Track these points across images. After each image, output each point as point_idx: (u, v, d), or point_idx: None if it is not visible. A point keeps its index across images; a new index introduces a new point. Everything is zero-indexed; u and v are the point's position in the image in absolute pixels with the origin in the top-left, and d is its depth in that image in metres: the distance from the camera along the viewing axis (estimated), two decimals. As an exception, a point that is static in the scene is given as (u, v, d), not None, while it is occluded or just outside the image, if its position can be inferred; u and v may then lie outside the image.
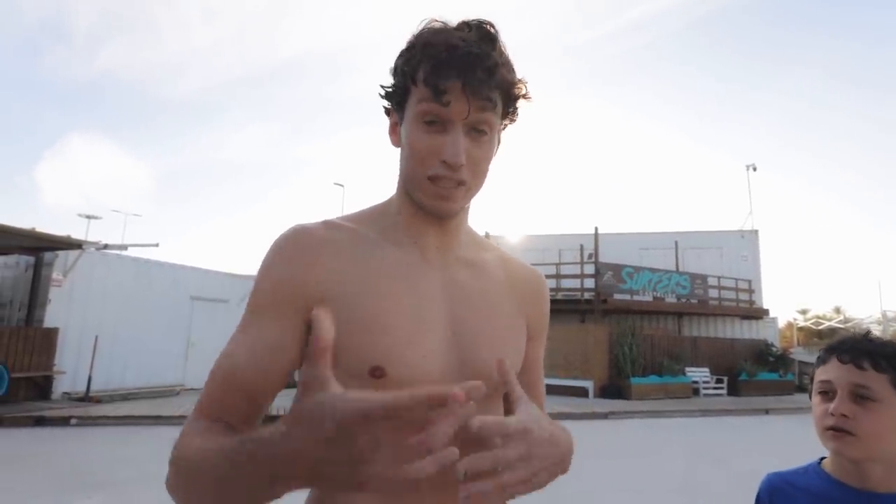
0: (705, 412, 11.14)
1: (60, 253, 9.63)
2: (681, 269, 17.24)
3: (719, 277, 16.78)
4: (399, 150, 0.74)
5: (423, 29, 0.69)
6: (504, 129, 0.74)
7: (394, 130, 0.75)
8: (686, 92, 62.42)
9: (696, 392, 13.78)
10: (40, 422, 7.68)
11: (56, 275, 9.65)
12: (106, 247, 10.29)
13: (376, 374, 0.65)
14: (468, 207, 0.78)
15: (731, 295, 16.93)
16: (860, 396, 0.86)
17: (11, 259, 10.36)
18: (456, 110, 0.65)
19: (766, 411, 11.30)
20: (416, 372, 0.67)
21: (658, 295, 15.59)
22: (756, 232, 18.52)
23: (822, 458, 0.97)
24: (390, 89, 0.72)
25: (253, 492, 0.52)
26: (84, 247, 9.49)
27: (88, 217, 12.74)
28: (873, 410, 0.85)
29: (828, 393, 0.90)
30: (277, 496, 0.52)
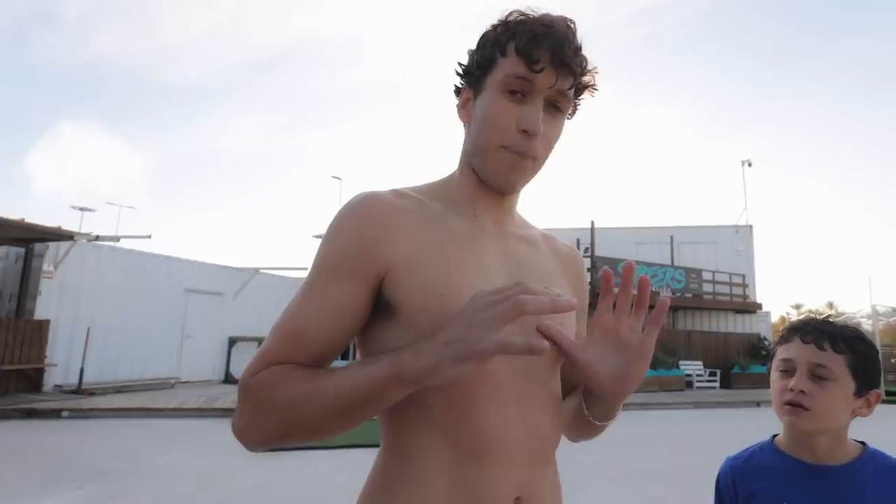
0: (698, 404, 11.35)
1: (51, 245, 9.52)
2: (676, 263, 17.28)
3: (714, 272, 16.82)
4: (466, 125, 0.77)
5: (512, 13, 0.72)
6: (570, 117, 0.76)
7: (465, 106, 0.77)
8: (683, 86, 62.45)
9: (689, 385, 13.90)
10: (31, 414, 7.64)
11: (47, 266, 9.55)
12: (98, 238, 10.16)
13: None
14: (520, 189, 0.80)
15: (726, 289, 16.98)
16: (817, 375, 0.93)
17: (1, 250, 10.25)
18: (544, 78, 0.68)
19: (758, 404, 11.33)
20: None
21: (654, 289, 15.57)
22: (750, 227, 18.59)
23: (775, 436, 1.04)
24: (474, 64, 0.74)
25: (365, 402, 0.60)
26: (76, 238, 9.38)
27: (82, 209, 12.54)
28: (828, 388, 0.92)
29: (788, 371, 0.97)
30: (388, 401, 0.62)
